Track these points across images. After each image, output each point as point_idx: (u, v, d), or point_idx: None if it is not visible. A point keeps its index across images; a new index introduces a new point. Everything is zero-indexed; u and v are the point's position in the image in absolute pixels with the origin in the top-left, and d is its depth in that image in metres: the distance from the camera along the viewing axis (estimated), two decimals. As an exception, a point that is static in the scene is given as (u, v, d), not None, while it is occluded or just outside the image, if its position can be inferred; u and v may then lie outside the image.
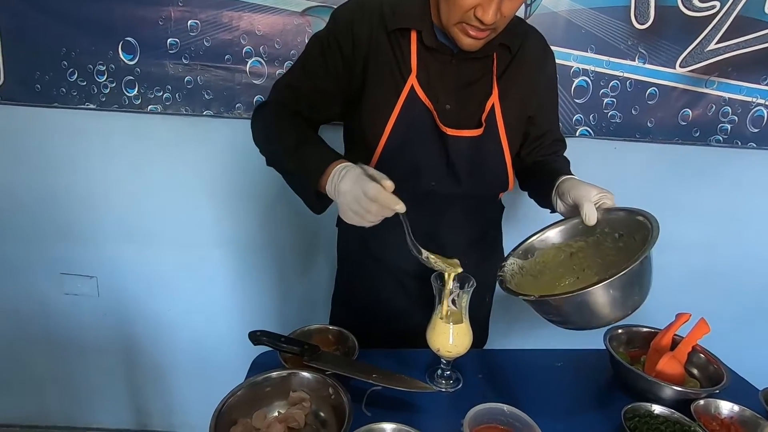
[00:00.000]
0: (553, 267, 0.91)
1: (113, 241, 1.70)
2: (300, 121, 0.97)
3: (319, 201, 0.90)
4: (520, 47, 1.00)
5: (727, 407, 0.88)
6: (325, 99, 0.99)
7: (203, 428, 2.11)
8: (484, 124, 0.98)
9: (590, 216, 0.84)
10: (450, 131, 0.95)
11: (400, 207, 0.77)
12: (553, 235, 0.93)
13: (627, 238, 0.84)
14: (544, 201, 1.01)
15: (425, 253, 0.85)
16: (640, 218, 0.83)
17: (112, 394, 1.91)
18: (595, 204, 0.86)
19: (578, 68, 1.54)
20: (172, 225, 1.70)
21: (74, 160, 1.62)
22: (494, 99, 0.98)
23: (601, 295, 0.75)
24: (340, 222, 1.19)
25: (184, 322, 1.81)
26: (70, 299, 1.76)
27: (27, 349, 1.82)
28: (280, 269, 1.77)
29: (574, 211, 0.90)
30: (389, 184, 0.77)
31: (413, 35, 0.95)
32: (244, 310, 1.81)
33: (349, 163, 0.83)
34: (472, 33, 0.87)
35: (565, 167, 1.05)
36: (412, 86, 0.95)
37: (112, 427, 1.95)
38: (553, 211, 0.99)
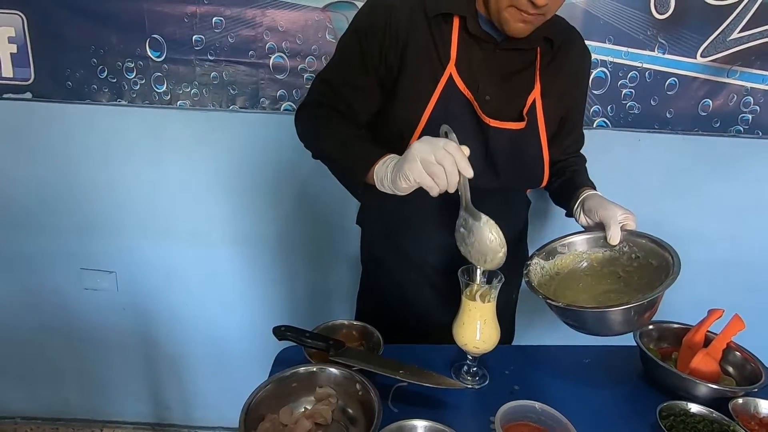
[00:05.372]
0: (568, 272, 0.92)
1: (133, 236, 1.62)
2: (341, 119, 0.88)
3: (366, 192, 0.83)
4: (562, 45, 0.91)
5: (767, 406, 0.78)
6: (362, 95, 0.90)
7: (222, 421, 2.06)
8: (526, 118, 0.88)
9: (615, 237, 0.85)
10: (493, 122, 0.86)
11: (470, 172, 0.71)
12: (576, 243, 0.93)
13: (642, 260, 0.87)
14: (562, 203, 0.98)
15: (485, 218, 0.77)
16: (660, 249, 0.85)
17: (132, 388, 1.84)
18: (619, 224, 0.86)
19: (596, 59, 1.41)
20: (191, 220, 1.61)
21: (96, 155, 1.54)
22: (536, 94, 0.89)
23: (621, 314, 0.77)
24: (363, 220, 1.10)
25: (202, 317, 1.73)
26: (90, 294, 1.68)
27: (48, 343, 1.76)
28: (297, 264, 1.67)
29: (596, 226, 0.90)
30: (467, 149, 0.72)
31: (455, 21, 0.85)
32: (261, 305, 1.72)
33: (388, 158, 0.77)
34: (523, 17, 0.77)
35: (585, 175, 1.02)
36: (451, 75, 0.86)
37: (131, 420, 1.88)
38: (569, 215, 0.96)
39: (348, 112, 0.89)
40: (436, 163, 0.69)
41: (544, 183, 0.97)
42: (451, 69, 0.86)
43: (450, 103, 0.86)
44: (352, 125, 0.89)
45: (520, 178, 0.94)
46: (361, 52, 0.86)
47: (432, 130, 0.85)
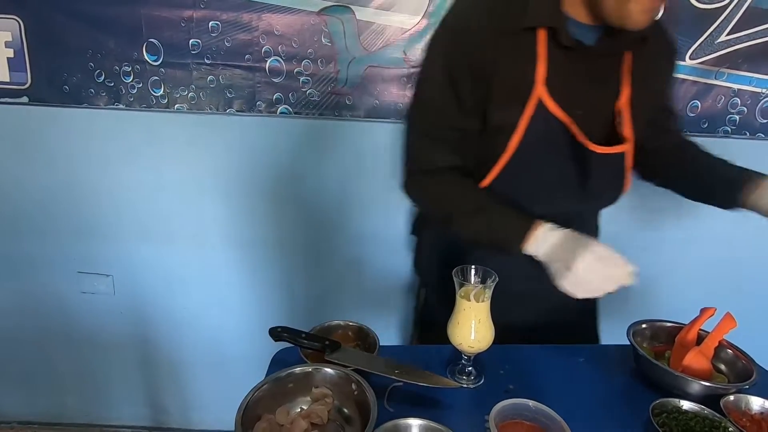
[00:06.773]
0: None
1: (129, 239, 1.60)
2: (460, 184, 0.83)
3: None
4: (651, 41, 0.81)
5: (758, 403, 0.77)
6: (464, 139, 0.81)
7: (220, 424, 2.02)
8: (625, 134, 0.80)
9: None
10: (599, 149, 0.77)
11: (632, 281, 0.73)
12: None
13: None
14: (715, 197, 0.89)
15: None
16: None
17: (130, 392, 1.81)
18: None
19: (588, 62, 1.41)
20: (188, 223, 1.59)
21: (93, 159, 1.52)
22: (624, 99, 0.81)
23: None
24: (422, 233, 1.03)
25: (200, 320, 1.71)
26: (87, 297, 1.66)
27: (45, 346, 1.74)
28: (294, 267, 1.66)
29: None
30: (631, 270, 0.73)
31: (541, 35, 0.74)
32: (258, 308, 1.71)
33: (548, 229, 0.74)
34: (649, 4, 0.68)
35: (721, 159, 0.92)
36: (540, 98, 0.76)
37: (129, 424, 1.86)
38: (729, 207, 0.86)
39: (459, 163, 0.82)
40: (603, 291, 0.72)
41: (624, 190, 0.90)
42: (540, 91, 0.75)
43: (541, 129, 0.77)
44: (472, 187, 0.82)
45: (610, 198, 0.87)
46: (455, 93, 0.78)
47: (518, 161, 0.80)
